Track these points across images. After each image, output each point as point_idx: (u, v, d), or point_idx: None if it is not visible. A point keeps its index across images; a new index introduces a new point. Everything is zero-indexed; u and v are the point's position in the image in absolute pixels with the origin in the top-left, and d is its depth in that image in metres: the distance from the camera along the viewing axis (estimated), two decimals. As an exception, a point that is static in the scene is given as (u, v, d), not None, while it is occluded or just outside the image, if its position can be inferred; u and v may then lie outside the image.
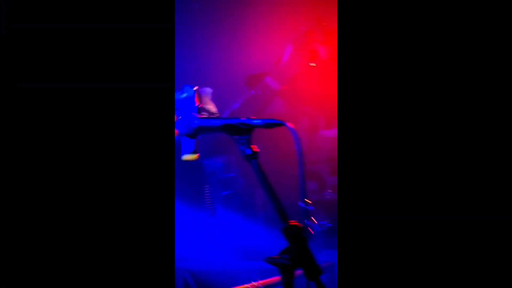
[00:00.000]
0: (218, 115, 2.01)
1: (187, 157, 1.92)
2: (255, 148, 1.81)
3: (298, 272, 1.69)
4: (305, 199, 3.38)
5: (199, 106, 1.88)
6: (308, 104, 4.42)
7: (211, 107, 2.07)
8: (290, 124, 1.79)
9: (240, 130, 1.82)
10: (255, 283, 3.14)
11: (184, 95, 1.90)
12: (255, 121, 1.82)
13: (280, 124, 1.81)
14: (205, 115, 1.91)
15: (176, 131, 1.94)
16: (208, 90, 2.20)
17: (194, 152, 1.91)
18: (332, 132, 4.42)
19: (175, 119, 1.94)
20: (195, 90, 1.90)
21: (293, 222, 1.72)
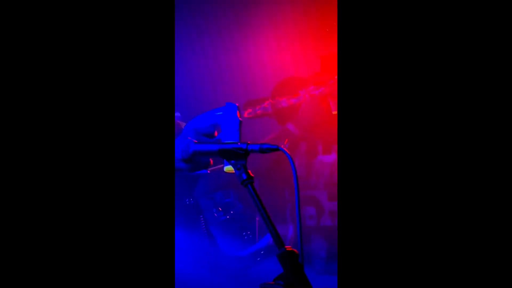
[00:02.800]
0: None
1: (229, 168, 1.90)
2: (250, 173, 1.81)
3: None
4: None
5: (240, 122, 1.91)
6: (307, 129, 4.42)
7: None
8: (285, 149, 1.79)
9: (236, 155, 1.82)
10: None
11: (220, 113, 1.92)
12: (251, 146, 1.82)
13: (276, 149, 1.80)
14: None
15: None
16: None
17: None
18: (331, 158, 4.42)
19: (215, 134, 1.96)
20: (237, 106, 1.92)
21: (288, 248, 1.71)
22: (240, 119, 1.93)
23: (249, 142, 1.83)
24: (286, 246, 1.71)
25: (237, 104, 1.96)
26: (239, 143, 1.83)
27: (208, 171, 2.02)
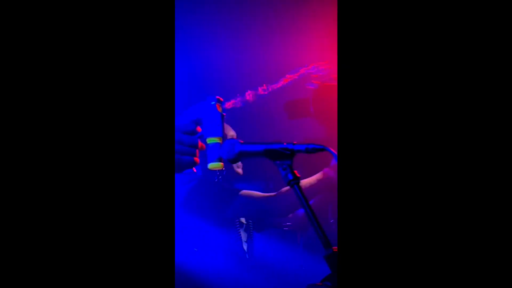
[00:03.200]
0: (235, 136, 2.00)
1: (213, 165, 1.89)
2: (296, 173, 1.80)
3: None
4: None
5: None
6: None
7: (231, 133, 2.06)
8: (332, 149, 1.78)
9: (282, 155, 1.81)
10: None
11: (200, 107, 1.91)
12: (297, 146, 1.81)
13: (322, 149, 1.79)
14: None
15: (202, 144, 1.93)
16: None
17: (219, 160, 1.89)
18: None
19: (199, 129, 1.94)
20: (217, 99, 1.91)
21: (336, 249, 1.70)
22: (221, 112, 1.91)
23: (295, 142, 1.82)
24: (333, 247, 1.70)
25: (217, 97, 1.94)
26: (285, 143, 1.82)
27: (194, 170, 2.00)
